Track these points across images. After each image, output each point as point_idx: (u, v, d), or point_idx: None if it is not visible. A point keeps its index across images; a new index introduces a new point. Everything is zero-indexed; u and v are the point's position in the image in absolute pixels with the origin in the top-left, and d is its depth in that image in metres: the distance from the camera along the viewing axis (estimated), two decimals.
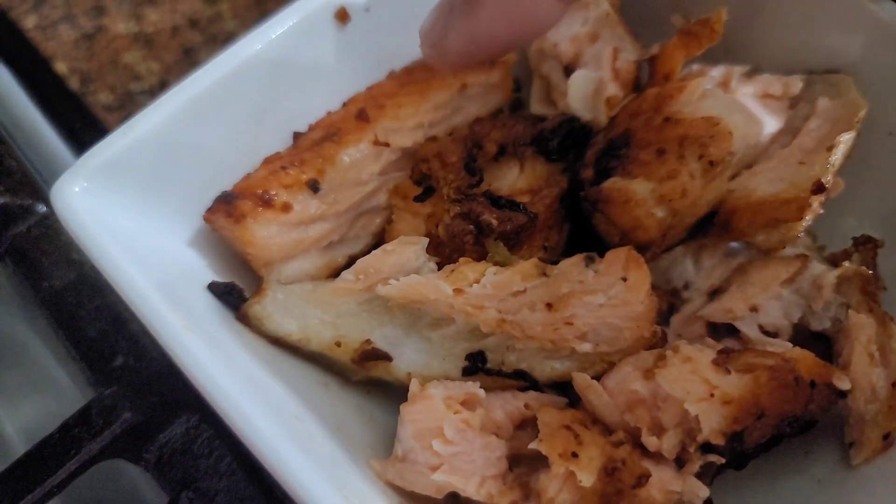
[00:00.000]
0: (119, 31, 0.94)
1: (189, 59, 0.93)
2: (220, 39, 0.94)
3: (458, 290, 0.55)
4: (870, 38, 0.68)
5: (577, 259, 0.54)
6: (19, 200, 0.76)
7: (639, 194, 0.58)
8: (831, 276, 0.58)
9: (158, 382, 0.67)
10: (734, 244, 0.64)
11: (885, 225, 0.67)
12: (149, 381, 0.68)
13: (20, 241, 0.75)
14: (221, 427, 0.51)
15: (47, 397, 0.77)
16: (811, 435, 0.59)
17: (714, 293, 0.62)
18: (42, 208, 0.77)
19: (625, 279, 0.52)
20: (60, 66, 0.91)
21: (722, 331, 0.60)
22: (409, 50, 0.72)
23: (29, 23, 0.94)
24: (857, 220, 0.68)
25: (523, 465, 0.55)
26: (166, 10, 0.96)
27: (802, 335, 0.59)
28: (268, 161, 0.65)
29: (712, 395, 0.49)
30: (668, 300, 0.62)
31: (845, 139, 0.61)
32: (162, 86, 0.88)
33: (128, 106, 0.89)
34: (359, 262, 0.63)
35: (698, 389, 0.50)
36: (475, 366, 0.58)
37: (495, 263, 0.56)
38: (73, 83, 0.91)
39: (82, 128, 0.90)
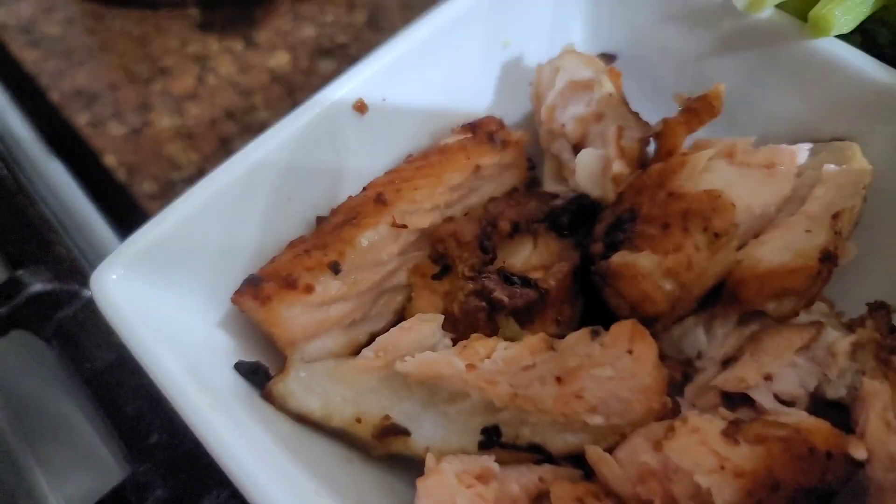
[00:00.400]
0: (163, 126, 1.02)
1: (225, 148, 0.99)
2: (255, 129, 1.00)
3: (470, 366, 0.57)
4: (876, 106, 0.69)
5: (584, 333, 0.55)
6: (66, 286, 0.81)
7: (645, 268, 0.60)
8: (845, 342, 0.58)
9: (190, 459, 0.70)
10: (748, 312, 0.64)
11: None
12: (181, 458, 0.70)
13: (67, 324, 0.80)
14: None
15: (90, 472, 0.80)
16: None
17: (727, 362, 0.62)
18: (87, 293, 0.82)
19: (630, 351, 0.53)
20: (109, 160, 0.98)
21: (737, 400, 0.60)
22: (425, 135, 0.77)
23: (81, 120, 1.02)
24: (874, 285, 0.68)
25: None
26: (206, 104, 1.03)
27: (820, 404, 0.59)
28: (292, 245, 0.69)
29: (723, 468, 0.49)
30: (682, 370, 0.63)
31: (851, 206, 0.61)
32: (200, 174, 0.94)
33: (169, 194, 0.95)
34: (378, 339, 0.65)
35: (708, 461, 0.50)
36: (491, 440, 0.59)
37: (506, 339, 0.58)
38: (121, 175, 0.97)
39: (128, 216, 0.96)
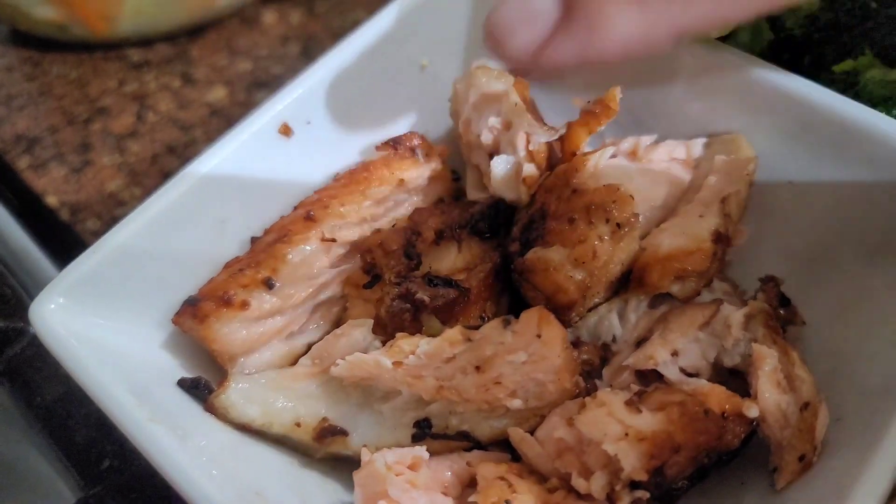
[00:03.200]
0: (104, 164, 1.04)
1: None
2: None
3: (397, 363, 0.61)
4: (767, 100, 0.75)
5: (496, 322, 0.59)
6: (13, 324, 0.83)
7: (556, 261, 0.64)
8: (739, 315, 0.63)
9: (142, 480, 0.72)
10: (657, 296, 0.69)
11: (798, 262, 0.73)
12: (133, 480, 0.72)
13: (15, 361, 0.82)
14: None
15: (45, 502, 0.82)
16: (746, 465, 0.63)
17: (640, 343, 0.66)
18: (33, 329, 0.83)
19: (539, 335, 0.58)
20: (51, 200, 1.00)
21: (652, 377, 0.65)
22: (352, 154, 0.81)
23: (22, 163, 1.04)
24: (770, 263, 0.73)
25: None
26: (146, 140, 1.06)
27: (722, 373, 0.64)
28: (228, 265, 0.72)
29: (627, 435, 0.54)
30: (600, 354, 0.67)
31: (737, 191, 0.67)
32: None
33: None
34: (314, 347, 0.69)
35: (614, 430, 0.54)
36: (423, 432, 0.62)
37: (429, 335, 0.62)
38: (64, 214, 1.00)
39: (73, 254, 0.98)
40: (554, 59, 0.58)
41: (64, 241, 0.99)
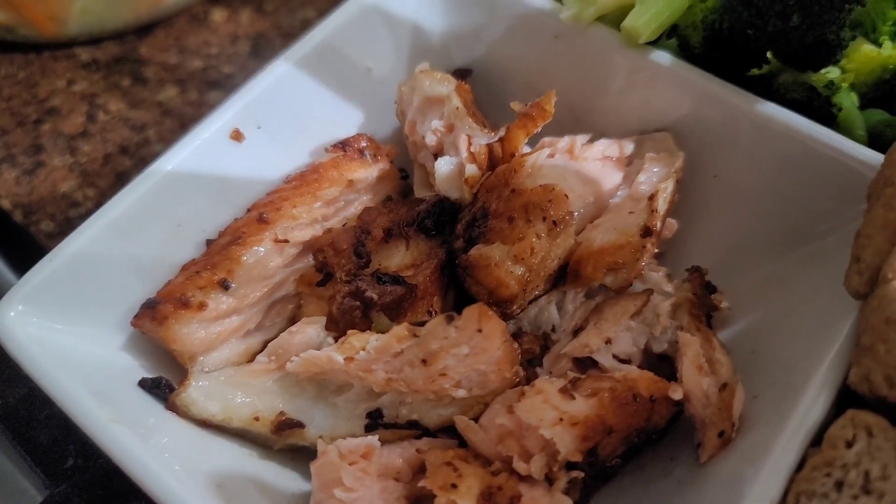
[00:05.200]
0: (56, 165, 1.05)
1: (122, 183, 1.02)
2: (149, 161, 1.04)
3: (348, 359, 0.64)
4: (693, 101, 0.80)
5: (440, 318, 0.63)
6: None
7: (497, 257, 0.68)
8: (666, 304, 0.68)
9: (107, 476, 0.75)
10: (592, 287, 0.74)
11: (724, 251, 0.78)
12: (98, 476, 0.75)
13: None
14: None
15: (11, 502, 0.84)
16: (678, 442, 0.68)
17: (577, 332, 0.71)
18: None
19: (480, 330, 0.62)
20: (4, 203, 1.01)
21: (588, 364, 0.70)
22: (302, 156, 0.84)
23: None
24: (699, 251, 0.79)
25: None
26: (98, 141, 1.07)
27: (651, 359, 0.69)
28: (185, 268, 0.75)
29: (561, 419, 0.58)
30: (540, 344, 0.72)
31: (664, 187, 0.72)
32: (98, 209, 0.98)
33: (68, 231, 0.97)
34: (270, 344, 0.72)
35: (549, 416, 0.59)
36: (375, 422, 0.66)
37: (378, 332, 0.66)
38: (17, 216, 1.00)
39: (30, 257, 0.99)
40: None
41: (18, 244, 1.00)
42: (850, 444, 0.54)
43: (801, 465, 0.57)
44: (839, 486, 0.53)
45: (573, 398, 0.60)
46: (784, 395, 0.61)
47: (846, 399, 0.58)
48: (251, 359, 0.75)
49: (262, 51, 1.18)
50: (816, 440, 0.57)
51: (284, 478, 0.69)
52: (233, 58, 1.17)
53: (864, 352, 0.56)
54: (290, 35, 1.19)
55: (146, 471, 0.58)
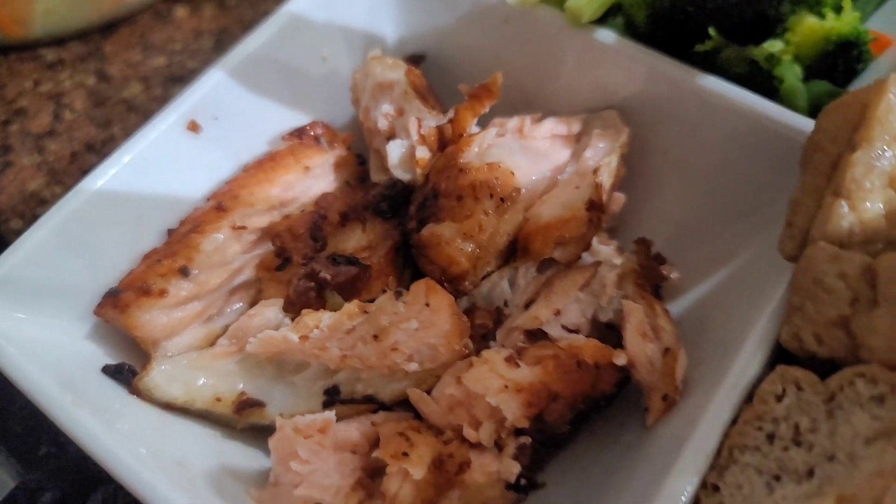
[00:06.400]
0: (24, 164, 1.06)
1: None
2: None
3: (303, 337, 0.66)
4: (640, 79, 0.82)
5: (388, 295, 0.65)
6: None
7: (447, 235, 0.70)
8: (612, 275, 0.70)
9: (78, 462, 0.77)
10: (543, 262, 0.76)
11: (673, 226, 0.80)
12: (70, 463, 0.77)
13: None
14: None
15: None
16: (630, 409, 0.71)
17: (528, 305, 0.73)
18: None
19: (428, 304, 0.64)
20: None
21: (539, 336, 0.72)
22: (260, 145, 0.85)
23: None
24: (650, 225, 0.81)
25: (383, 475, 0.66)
26: (64, 139, 1.08)
27: (599, 328, 0.71)
28: (146, 256, 0.76)
29: (507, 387, 0.60)
30: (494, 318, 0.74)
31: (607, 161, 0.74)
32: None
33: None
34: (230, 328, 0.74)
35: (495, 384, 0.61)
36: (332, 398, 0.68)
37: (331, 311, 0.68)
38: None
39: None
40: None
41: None
42: (780, 399, 0.56)
43: (735, 420, 0.59)
44: (770, 438, 0.55)
45: (518, 366, 0.62)
46: (722, 357, 0.63)
47: (781, 358, 0.60)
48: (213, 343, 0.76)
49: (225, 46, 1.19)
50: (751, 398, 0.59)
51: (247, 456, 0.71)
52: (196, 53, 1.19)
53: (794, 311, 0.58)
54: (252, 29, 1.20)
55: (109, 453, 0.59)
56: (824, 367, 0.56)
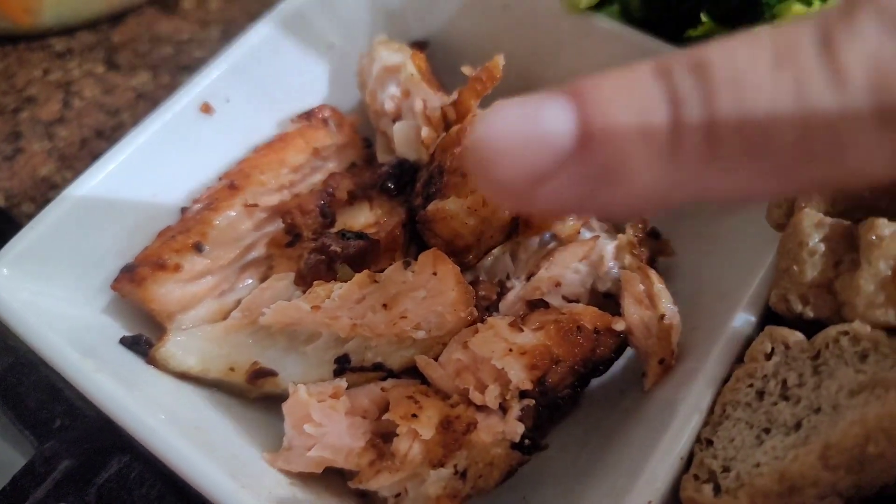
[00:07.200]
0: (35, 150, 1.09)
1: None
2: None
3: (315, 307, 0.69)
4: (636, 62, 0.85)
5: (398, 265, 0.68)
6: None
7: (452, 210, 0.73)
8: (610, 247, 0.73)
9: (93, 433, 0.79)
10: (546, 237, 0.79)
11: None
12: (84, 434, 0.79)
13: None
14: (148, 462, 0.64)
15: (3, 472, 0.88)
16: (629, 376, 0.74)
17: (530, 278, 0.76)
18: None
19: (435, 273, 0.67)
20: None
21: (540, 306, 0.75)
22: (270, 127, 0.88)
23: None
24: None
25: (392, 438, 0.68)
26: (74, 126, 1.11)
27: (598, 297, 0.74)
28: (161, 234, 0.79)
29: (511, 350, 0.63)
30: (497, 290, 0.77)
31: None
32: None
33: None
34: (243, 301, 0.77)
35: (500, 347, 0.64)
36: (343, 367, 0.71)
37: (342, 282, 0.71)
38: (0, 200, 1.04)
39: (11, 236, 1.03)
40: (549, 200, 0.42)
41: (2, 227, 1.04)
42: (769, 357, 0.59)
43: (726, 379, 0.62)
44: (760, 394, 0.58)
45: (521, 331, 0.65)
46: (716, 321, 0.67)
47: (770, 320, 0.63)
48: (226, 317, 0.79)
49: (232, 36, 1.20)
50: (742, 358, 0.62)
51: (260, 424, 0.73)
52: (204, 43, 1.21)
53: (781, 274, 0.61)
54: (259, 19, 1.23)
55: (131, 415, 0.62)
56: (810, 327, 0.59)
